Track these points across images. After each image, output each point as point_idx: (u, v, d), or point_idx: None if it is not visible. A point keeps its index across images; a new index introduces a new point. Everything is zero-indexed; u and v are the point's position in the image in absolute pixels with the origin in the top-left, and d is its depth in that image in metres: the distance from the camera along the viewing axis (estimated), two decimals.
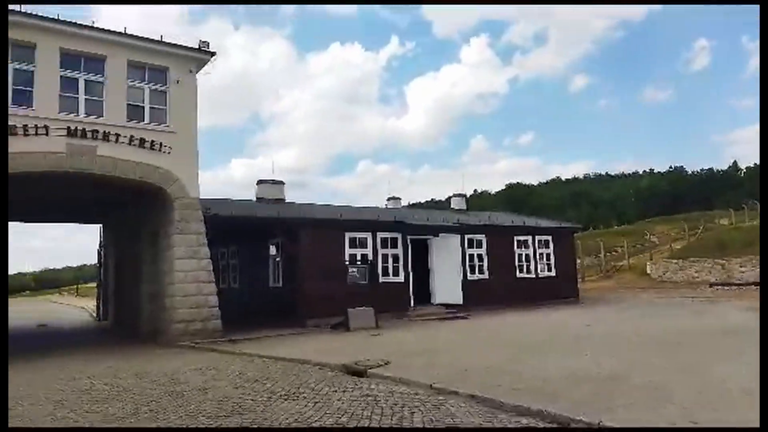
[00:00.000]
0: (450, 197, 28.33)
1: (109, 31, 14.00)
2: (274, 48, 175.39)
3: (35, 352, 13.39)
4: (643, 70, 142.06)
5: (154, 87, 14.69)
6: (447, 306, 18.60)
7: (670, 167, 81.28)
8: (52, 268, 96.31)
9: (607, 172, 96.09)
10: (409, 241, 18.70)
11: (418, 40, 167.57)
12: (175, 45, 14.90)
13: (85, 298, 45.81)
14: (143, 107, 14.48)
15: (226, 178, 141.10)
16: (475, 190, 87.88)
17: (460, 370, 8.25)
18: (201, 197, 15.19)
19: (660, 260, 31.80)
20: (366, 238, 17.90)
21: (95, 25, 13.94)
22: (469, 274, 19.91)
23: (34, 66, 13.00)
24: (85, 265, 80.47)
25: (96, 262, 26.22)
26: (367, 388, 7.45)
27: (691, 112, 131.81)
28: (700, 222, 38.78)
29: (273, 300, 18.12)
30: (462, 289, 19.36)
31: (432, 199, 77.89)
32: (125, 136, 13.85)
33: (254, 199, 21.28)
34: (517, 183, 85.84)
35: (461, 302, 18.91)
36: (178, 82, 14.81)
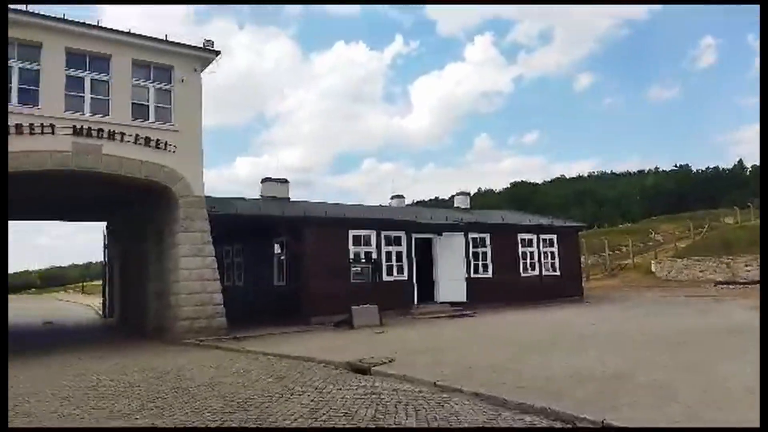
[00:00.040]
0: (454, 196, 28.28)
1: (114, 31, 14.05)
2: (279, 47, 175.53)
3: (41, 349, 13.48)
4: (649, 69, 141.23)
5: (158, 86, 14.74)
6: (451, 304, 18.62)
7: (676, 165, 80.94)
8: (58, 265, 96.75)
9: (612, 171, 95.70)
10: (413, 239, 18.72)
11: (423, 39, 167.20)
12: (179, 44, 14.95)
13: (91, 296, 46.06)
14: (148, 106, 14.51)
15: (231, 177, 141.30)
16: (479, 189, 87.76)
17: (464, 367, 8.26)
18: (206, 195, 15.25)
19: (665, 259, 31.70)
20: (370, 236, 17.93)
21: (100, 25, 14.00)
22: (473, 272, 19.92)
23: (39, 65, 13.04)
24: (91, 262, 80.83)
25: (102, 260, 26.32)
26: (371, 385, 7.48)
27: (696, 110, 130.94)
28: (705, 221, 38.62)
29: (277, 298, 18.19)
30: (466, 288, 19.38)
31: (436, 198, 77.92)
32: (130, 135, 13.91)
33: (259, 197, 21.33)
34: (522, 181, 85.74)
35: (465, 300, 18.94)
36: (182, 81, 14.85)
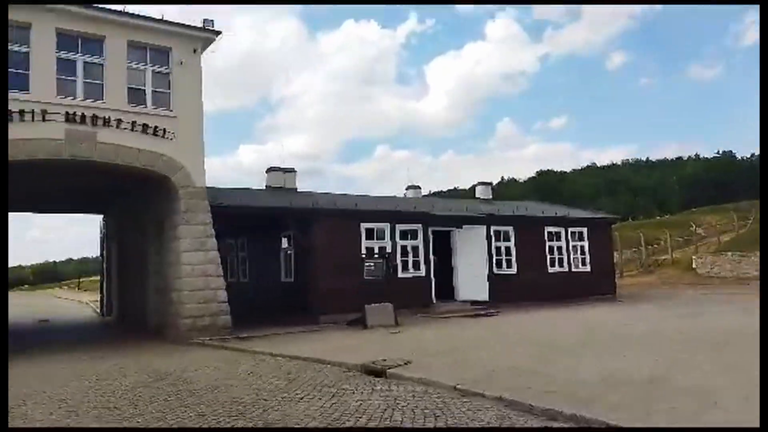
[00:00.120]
0: (475, 186, 28.24)
1: (108, 10, 14.13)
2: (284, 27, 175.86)
3: (38, 350, 13.74)
4: (688, 46, 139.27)
5: (156, 69, 14.83)
6: (472, 303, 18.64)
7: (718, 152, 79.78)
8: (52, 260, 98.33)
9: (647, 158, 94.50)
10: (430, 232, 18.73)
11: (439, 16, 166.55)
12: (177, 24, 15.03)
13: (87, 293, 46.77)
14: (145, 90, 14.63)
15: (234, 165, 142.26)
16: (502, 178, 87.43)
17: (486, 370, 8.28)
18: (208, 186, 15.37)
19: (706, 254, 31.39)
20: (384, 230, 17.96)
21: (93, 4, 14.08)
22: (495, 268, 19.90)
23: (29, 47, 13.16)
24: (87, 257, 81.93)
25: (99, 254, 26.70)
26: (386, 389, 7.53)
27: (740, 91, 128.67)
28: (750, 212, 38.11)
29: (284, 295, 18.34)
30: (488, 285, 19.38)
31: (455, 188, 77.77)
32: (127, 122, 14.04)
33: (264, 187, 21.47)
34: (549, 170, 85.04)
35: (487, 298, 18.94)
36: (181, 63, 14.94)
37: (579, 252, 22.07)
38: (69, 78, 13.69)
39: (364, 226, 17.65)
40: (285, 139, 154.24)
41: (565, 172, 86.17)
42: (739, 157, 77.12)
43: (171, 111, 14.80)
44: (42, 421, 6.71)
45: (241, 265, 21.59)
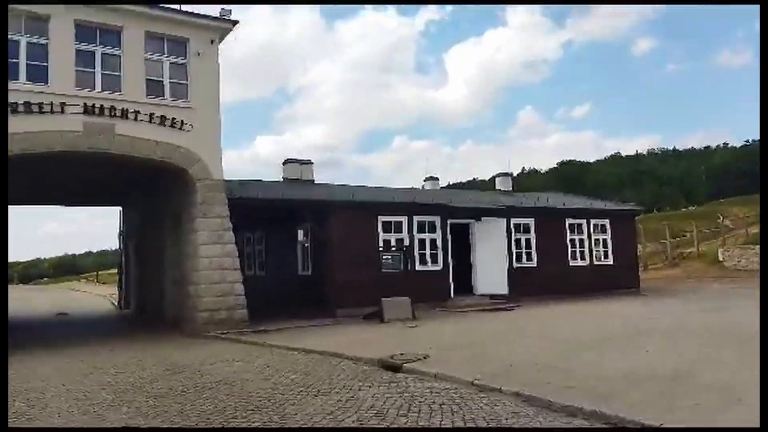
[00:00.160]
0: (495, 176, 28.09)
1: (125, 0, 14.28)
2: (301, 16, 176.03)
3: (56, 342, 14.04)
4: (717, 31, 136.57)
5: (173, 60, 14.97)
6: (491, 296, 18.60)
7: (747, 141, 78.27)
8: (71, 253, 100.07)
9: (674, 147, 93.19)
10: (448, 225, 18.70)
11: (459, 3, 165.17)
12: (194, 14, 15.14)
13: (105, 286, 47.58)
14: (162, 82, 14.79)
15: (251, 157, 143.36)
16: (523, 169, 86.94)
17: (505, 365, 8.28)
18: (225, 178, 15.50)
19: (734, 246, 30.86)
20: (401, 222, 17.97)
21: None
22: (515, 261, 19.82)
23: (47, 39, 13.37)
24: (106, 250, 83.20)
25: (117, 247, 27.13)
26: (403, 384, 7.57)
27: None
28: None
29: (301, 288, 18.47)
30: (508, 278, 19.32)
31: (474, 179, 77.44)
32: (145, 114, 14.19)
33: (281, 179, 21.58)
34: (571, 160, 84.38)
35: (507, 292, 18.88)
36: (199, 54, 15.05)
37: (601, 245, 21.88)
38: (87, 70, 13.89)
39: (381, 218, 17.69)
40: (302, 130, 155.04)
41: (589, 162, 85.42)
42: None
43: (188, 102, 14.94)
44: (59, 414, 6.87)
45: (258, 258, 21.76)
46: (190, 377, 8.73)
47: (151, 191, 18.71)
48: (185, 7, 15.07)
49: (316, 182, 21.76)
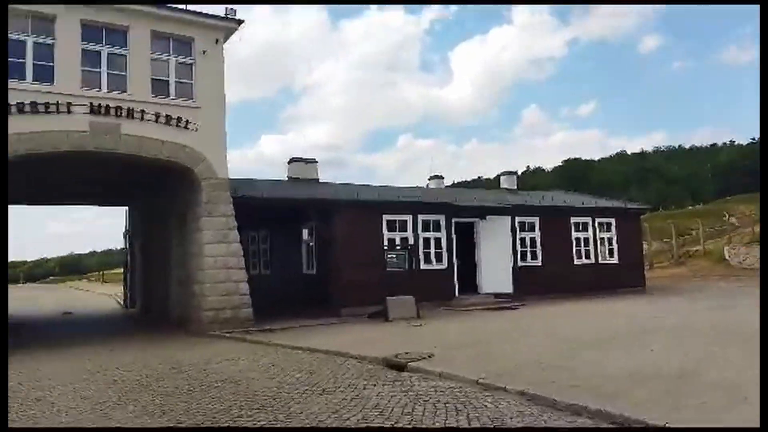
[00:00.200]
0: (499, 175, 28.09)
1: (132, 0, 14.33)
2: (306, 15, 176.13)
3: (62, 341, 14.13)
4: (724, 28, 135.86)
5: (179, 59, 15.01)
6: (495, 295, 18.59)
7: (753, 139, 77.87)
8: (77, 253, 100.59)
9: (680, 145, 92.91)
10: (453, 223, 18.70)
11: (464, 3, 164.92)
12: (200, 14, 15.18)
13: (110, 285, 47.77)
14: (168, 81, 14.83)
15: (255, 156, 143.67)
16: (527, 167, 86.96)
17: (509, 365, 8.29)
18: (230, 177, 15.54)
19: (740, 244, 30.75)
20: (406, 221, 17.99)
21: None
22: (520, 260, 19.80)
23: (54, 39, 13.43)
24: (111, 249, 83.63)
25: (123, 246, 27.24)
26: (408, 383, 7.59)
27: None
28: None
29: (306, 287, 18.51)
30: (512, 277, 19.30)
31: (479, 177, 77.52)
32: (151, 113, 14.24)
33: (286, 178, 21.63)
34: (576, 158, 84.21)
35: (511, 291, 18.87)
36: (204, 53, 15.10)
37: (607, 243, 21.85)
38: (93, 69, 13.95)
39: (385, 217, 17.70)
40: (307, 129, 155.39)
41: (594, 161, 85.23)
42: None
43: (194, 101, 14.99)
44: (66, 413, 6.91)
45: (263, 257, 21.81)
46: (196, 376, 8.77)
47: (156, 191, 18.77)
48: (191, 7, 15.12)
49: (320, 181, 21.80)
